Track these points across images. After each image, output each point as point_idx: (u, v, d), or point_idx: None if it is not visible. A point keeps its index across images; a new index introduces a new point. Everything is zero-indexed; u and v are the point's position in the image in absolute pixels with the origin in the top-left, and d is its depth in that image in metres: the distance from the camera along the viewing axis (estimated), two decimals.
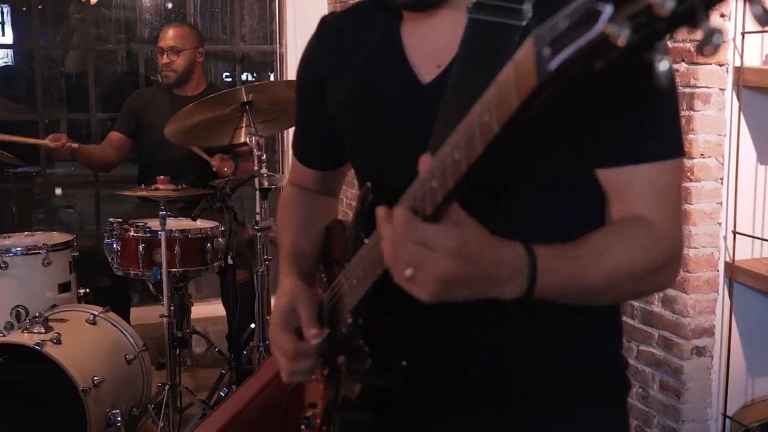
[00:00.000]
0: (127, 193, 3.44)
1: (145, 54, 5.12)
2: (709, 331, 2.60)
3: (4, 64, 5.61)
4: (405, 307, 1.02)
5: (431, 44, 1.20)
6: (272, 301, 3.66)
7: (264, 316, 3.37)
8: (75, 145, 3.84)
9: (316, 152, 1.49)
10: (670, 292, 2.59)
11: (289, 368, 1.28)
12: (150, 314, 4.35)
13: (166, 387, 3.25)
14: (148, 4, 5.21)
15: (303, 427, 1.39)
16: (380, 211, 0.97)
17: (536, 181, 1.14)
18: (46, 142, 3.78)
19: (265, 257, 3.37)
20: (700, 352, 2.59)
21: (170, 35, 4.09)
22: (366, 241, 1.10)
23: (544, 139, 1.09)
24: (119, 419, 3.07)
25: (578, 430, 1.23)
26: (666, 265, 1.11)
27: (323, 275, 1.39)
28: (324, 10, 5.18)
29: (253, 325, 3.64)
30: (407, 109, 1.21)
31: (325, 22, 1.39)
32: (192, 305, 4.13)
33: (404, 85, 1.21)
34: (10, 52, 5.51)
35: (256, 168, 3.09)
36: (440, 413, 1.25)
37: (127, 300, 3.94)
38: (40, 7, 4.97)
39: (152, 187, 3.27)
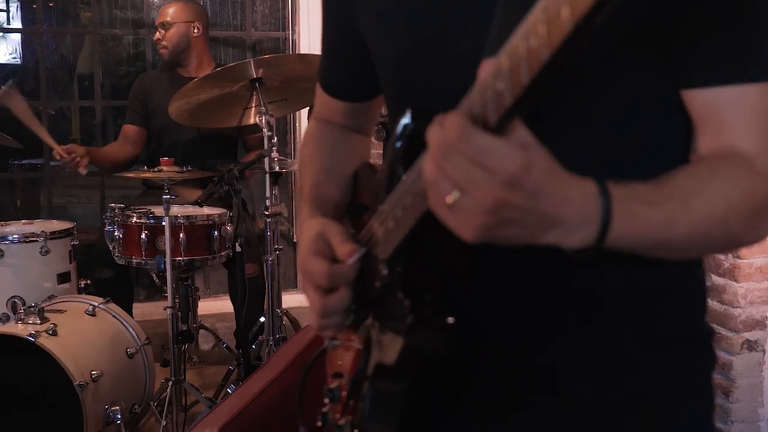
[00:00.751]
0: (129, 174, 3.23)
1: (152, 42, 4.93)
2: (761, 324, 2.40)
3: (12, 60, 5.48)
4: (453, 253, 0.82)
5: None
6: (283, 294, 3.47)
7: (274, 309, 3.17)
8: (83, 170, 3.64)
9: (346, 79, 1.28)
10: (719, 280, 2.39)
11: (322, 302, 1.06)
12: (157, 310, 4.17)
13: (170, 383, 3.05)
14: None
15: (326, 401, 1.17)
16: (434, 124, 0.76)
17: (612, 103, 0.93)
18: (59, 149, 3.58)
19: (276, 246, 3.17)
20: (751, 346, 2.39)
21: (162, 11, 3.94)
22: (404, 178, 0.89)
23: (627, 51, 0.88)
24: (119, 416, 2.86)
25: (659, 411, 1.02)
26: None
27: (350, 227, 1.17)
28: None
29: (262, 319, 3.44)
30: (457, 8, 0.99)
31: None
32: (199, 299, 3.94)
33: None
34: (18, 47, 5.38)
35: (265, 147, 2.88)
36: (491, 386, 1.04)
37: (130, 292, 3.74)
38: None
39: (155, 169, 3.06)
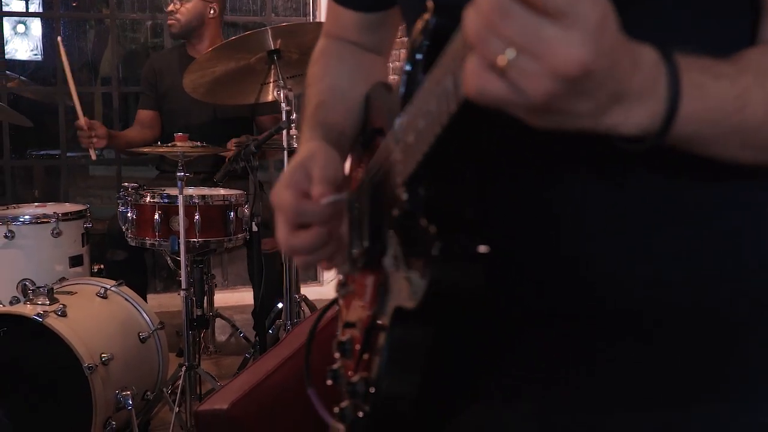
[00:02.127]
0: (145, 150, 3.10)
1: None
2: None
3: (33, 57, 5.43)
4: (484, 171, 0.68)
5: None
6: (302, 287, 3.34)
7: (292, 293, 3.04)
8: (93, 155, 3.54)
9: None
10: None
11: (286, 239, 0.95)
12: (173, 301, 4.09)
13: (183, 368, 2.93)
14: None
15: (337, 355, 1.03)
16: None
17: None
18: (83, 119, 3.45)
19: None
20: None
21: None
22: (428, 79, 0.74)
23: None
24: (130, 402, 2.74)
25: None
26: None
27: (362, 155, 1.04)
28: None
29: (280, 305, 3.31)
30: None
31: None
32: (215, 286, 3.83)
33: None
34: (39, 44, 5.33)
35: (283, 120, 2.76)
36: (538, 333, 0.90)
37: (144, 276, 3.62)
38: None
39: (170, 144, 2.94)
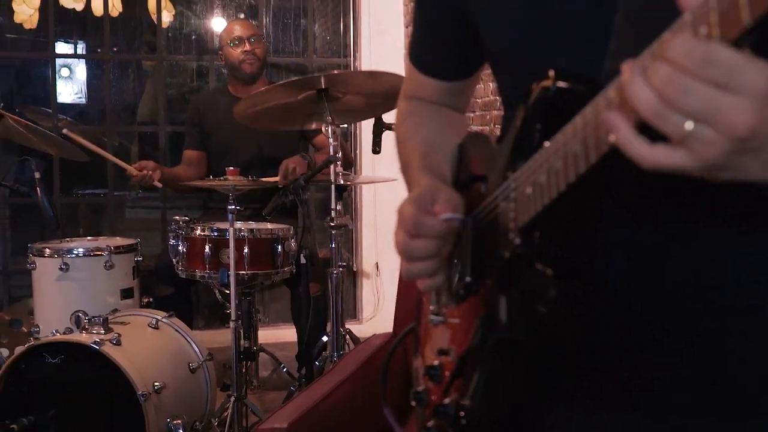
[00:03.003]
0: (196, 183, 3.21)
1: (216, 67, 4.98)
2: None
3: (78, 100, 5.61)
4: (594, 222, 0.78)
5: None
6: (342, 320, 3.40)
7: (338, 324, 3.10)
8: (158, 183, 3.67)
9: (443, 57, 1.24)
10: None
11: (405, 243, 1.03)
12: (215, 338, 4.16)
13: (232, 398, 3.00)
14: (220, 15, 5.09)
15: (423, 380, 1.11)
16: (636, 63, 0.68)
17: None
18: (130, 168, 3.61)
19: (340, 263, 3.11)
20: None
21: (246, 25, 3.97)
22: (547, 144, 0.82)
23: None
24: (181, 431, 2.81)
25: None
26: None
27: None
28: (400, 24, 5.02)
29: (325, 339, 3.37)
30: None
31: None
32: (259, 321, 3.89)
33: None
34: (84, 88, 5.50)
35: (332, 154, 2.85)
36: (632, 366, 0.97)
37: (190, 311, 3.70)
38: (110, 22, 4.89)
39: (221, 178, 3.04)
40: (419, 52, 1.28)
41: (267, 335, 4.64)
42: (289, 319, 4.75)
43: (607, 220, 0.88)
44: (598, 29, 0.89)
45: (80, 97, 5.76)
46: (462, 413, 0.98)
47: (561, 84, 0.85)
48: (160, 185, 3.66)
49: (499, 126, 3.76)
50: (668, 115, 0.65)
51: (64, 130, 3.49)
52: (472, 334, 0.99)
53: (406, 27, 4.98)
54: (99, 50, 4.98)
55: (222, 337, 4.09)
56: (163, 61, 4.96)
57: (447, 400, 1.02)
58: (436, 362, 1.09)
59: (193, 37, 5.08)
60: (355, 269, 5.19)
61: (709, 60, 0.62)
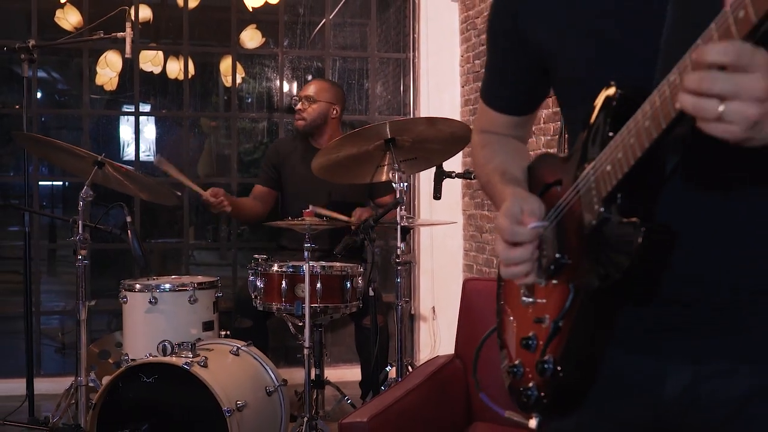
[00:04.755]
0: (276, 223, 3.56)
1: (285, 123, 5.36)
2: None
3: (146, 158, 5.99)
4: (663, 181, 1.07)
5: None
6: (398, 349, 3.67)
7: (402, 357, 3.37)
8: (229, 209, 4.01)
9: (512, 96, 1.55)
10: None
11: (505, 252, 1.31)
12: (283, 375, 4.42)
13: (305, 419, 3.27)
14: (290, 76, 5.50)
15: (516, 352, 1.38)
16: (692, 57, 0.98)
17: None
18: (205, 194, 3.95)
19: (404, 298, 3.40)
20: None
21: (309, 85, 4.32)
22: (626, 126, 1.12)
23: None
24: None
25: None
26: None
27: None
28: (457, 83, 5.35)
29: (388, 368, 3.65)
30: (631, 19, 1.24)
31: None
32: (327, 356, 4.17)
33: None
34: (153, 146, 5.89)
35: (397, 196, 3.17)
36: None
37: (266, 343, 4.01)
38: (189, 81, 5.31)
39: (299, 219, 3.38)
40: (491, 92, 1.58)
41: (329, 374, 4.88)
42: (349, 360, 5.05)
43: (672, 182, 1.15)
44: (647, 52, 1.19)
45: (148, 155, 6.15)
46: (560, 367, 1.25)
47: (622, 90, 1.16)
48: (230, 209, 3.99)
49: (549, 149, 4.05)
50: (704, 104, 0.94)
51: (157, 159, 3.80)
52: (566, 298, 1.26)
53: (462, 86, 5.32)
54: (164, 110, 5.40)
55: (288, 375, 4.37)
56: (235, 119, 5.36)
57: (546, 357, 1.28)
58: (530, 333, 1.34)
59: (264, 96, 5.48)
60: (412, 312, 5.45)
61: (725, 52, 0.92)
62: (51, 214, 5.38)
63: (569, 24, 1.33)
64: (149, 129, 5.94)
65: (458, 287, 5.31)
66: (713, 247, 1.22)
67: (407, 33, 5.48)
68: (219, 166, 5.77)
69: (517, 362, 1.38)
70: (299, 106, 4.26)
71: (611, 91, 1.18)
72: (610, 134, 1.16)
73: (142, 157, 6.02)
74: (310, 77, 5.47)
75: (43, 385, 4.42)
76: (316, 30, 5.54)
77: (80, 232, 3.42)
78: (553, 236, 1.30)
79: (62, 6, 4.92)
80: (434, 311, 5.37)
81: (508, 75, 1.53)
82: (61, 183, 6.11)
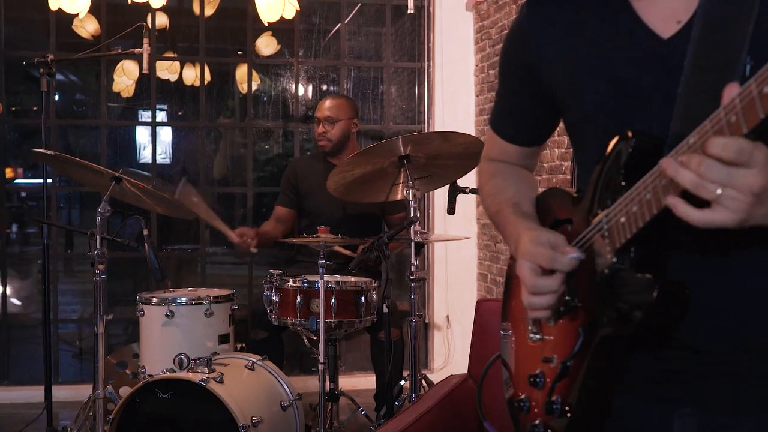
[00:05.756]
0: (293, 240, 3.60)
1: (300, 133, 5.39)
2: None
3: (162, 160, 6.04)
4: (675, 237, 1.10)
5: (668, 2, 1.27)
6: (411, 361, 3.69)
7: (417, 371, 3.39)
8: (255, 250, 4.05)
9: (523, 128, 1.57)
10: None
11: (534, 280, 1.30)
12: (298, 384, 4.44)
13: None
14: (305, 85, 5.52)
15: (523, 389, 1.39)
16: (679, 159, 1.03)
17: None
18: (232, 235, 3.98)
19: (418, 313, 3.42)
20: None
21: (327, 106, 4.30)
22: (642, 181, 1.14)
23: None
24: None
25: None
26: None
27: None
28: (471, 92, 5.36)
29: (402, 382, 3.68)
30: (649, 65, 1.27)
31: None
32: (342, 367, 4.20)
33: (643, 42, 1.28)
34: (169, 150, 5.94)
35: (412, 215, 3.19)
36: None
37: (281, 354, 4.04)
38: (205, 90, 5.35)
39: (314, 236, 3.42)
40: (501, 122, 1.60)
41: (344, 382, 4.92)
42: (364, 368, 5.08)
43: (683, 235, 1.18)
44: (664, 101, 1.22)
45: (164, 158, 6.19)
46: (567, 408, 1.27)
47: (637, 141, 1.18)
48: (255, 251, 4.02)
49: (563, 162, 4.06)
50: (704, 185, 1.00)
51: (180, 189, 3.84)
52: (575, 341, 1.28)
53: (477, 96, 5.33)
54: (180, 113, 5.44)
55: (302, 384, 4.41)
56: (251, 128, 5.39)
57: (554, 398, 1.30)
58: (537, 370, 1.37)
59: (279, 104, 5.51)
60: (427, 321, 5.47)
61: (728, 148, 0.98)
62: (69, 227, 5.42)
63: (588, 68, 1.34)
64: (165, 132, 5.99)
65: (472, 296, 5.40)
66: (724, 299, 1.23)
67: (422, 42, 5.50)
68: (233, 168, 5.81)
69: (523, 397, 1.41)
70: (321, 129, 4.28)
71: (626, 138, 1.20)
72: (623, 183, 1.18)
73: (159, 160, 6.07)
74: (325, 87, 5.50)
75: (62, 393, 4.47)
76: (330, 35, 5.56)
77: (98, 246, 3.45)
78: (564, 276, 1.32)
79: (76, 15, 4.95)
80: (448, 320, 5.39)
81: (520, 108, 1.55)
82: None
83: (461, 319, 5.22)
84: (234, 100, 5.74)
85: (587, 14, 1.35)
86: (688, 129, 1.06)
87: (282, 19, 4.36)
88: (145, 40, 3.69)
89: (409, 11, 3.33)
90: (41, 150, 3.69)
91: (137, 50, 3.79)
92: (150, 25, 5.02)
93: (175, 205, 3.79)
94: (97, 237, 3.45)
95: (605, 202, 1.23)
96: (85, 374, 5.22)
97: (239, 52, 5.62)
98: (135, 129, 5.81)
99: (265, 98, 5.54)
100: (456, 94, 5.36)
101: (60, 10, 3.85)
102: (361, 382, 4.95)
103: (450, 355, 5.36)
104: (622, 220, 1.17)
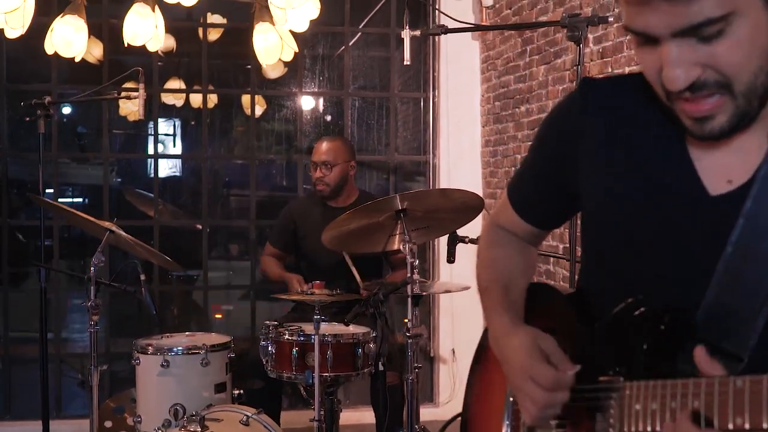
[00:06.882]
0: (283, 296, 3.54)
1: (304, 163, 5.34)
2: None
3: (171, 174, 6.02)
4: None
5: (723, 159, 1.18)
6: (420, 408, 3.63)
7: (414, 425, 3.33)
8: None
9: (538, 211, 1.51)
10: None
11: (545, 401, 1.26)
12: (299, 418, 4.40)
13: None
14: (308, 117, 5.47)
15: None
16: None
17: None
18: (297, 289, 3.93)
19: (416, 365, 3.35)
20: None
21: (323, 149, 4.24)
22: (622, 379, 1.16)
23: None
24: None
25: None
26: None
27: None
28: (477, 123, 5.29)
29: None
30: (691, 219, 1.20)
31: (589, 84, 1.35)
32: (341, 411, 4.14)
33: (690, 192, 1.20)
34: (178, 162, 5.92)
35: (409, 275, 3.12)
36: None
37: (278, 403, 4.00)
38: (208, 120, 5.30)
39: (308, 292, 3.36)
40: (521, 197, 1.52)
41: (348, 416, 4.86)
42: (368, 402, 5.01)
43: None
44: (694, 276, 1.16)
45: (174, 171, 6.18)
46: None
47: (670, 319, 1.13)
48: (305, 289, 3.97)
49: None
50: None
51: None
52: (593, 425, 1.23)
53: (483, 126, 5.25)
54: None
55: (304, 417, 4.34)
56: (254, 159, 5.34)
57: None
58: None
59: (283, 132, 5.46)
60: (432, 354, 5.41)
61: None
62: (67, 271, 5.37)
63: (625, 191, 1.27)
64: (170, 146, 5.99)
65: (478, 329, 5.29)
66: None
67: (427, 72, 5.43)
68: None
69: None
70: (318, 174, 4.22)
71: (638, 305, 1.17)
72: (643, 360, 1.15)
73: (167, 174, 6.05)
74: (329, 117, 5.44)
75: (62, 428, 4.44)
76: (335, 54, 5.50)
77: (92, 298, 3.41)
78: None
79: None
80: (454, 353, 5.32)
81: (540, 191, 1.48)
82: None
83: (468, 351, 5.12)
84: (236, 125, 5.72)
85: (641, 138, 1.26)
86: (727, 296, 1.04)
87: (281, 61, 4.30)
88: (141, 86, 3.63)
89: (405, 62, 3.23)
90: (38, 197, 3.66)
91: (133, 94, 3.74)
92: (154, 58, 4.95)
93: (163, 259, 3.76)
94: (91, 288, 3.41)
95: (614, 363, 1.19)
96: (88, 407, 5.18)
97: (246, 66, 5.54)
98: (145, 143, 5.77)
99: (269, 128, 5.49)
100: (461, 125, 5.29)
101: (56, 54, 3.80)
102: (366, 416, 4.88)
103: (456, 388, 5.29)
104: (637, 407, 1.12)
